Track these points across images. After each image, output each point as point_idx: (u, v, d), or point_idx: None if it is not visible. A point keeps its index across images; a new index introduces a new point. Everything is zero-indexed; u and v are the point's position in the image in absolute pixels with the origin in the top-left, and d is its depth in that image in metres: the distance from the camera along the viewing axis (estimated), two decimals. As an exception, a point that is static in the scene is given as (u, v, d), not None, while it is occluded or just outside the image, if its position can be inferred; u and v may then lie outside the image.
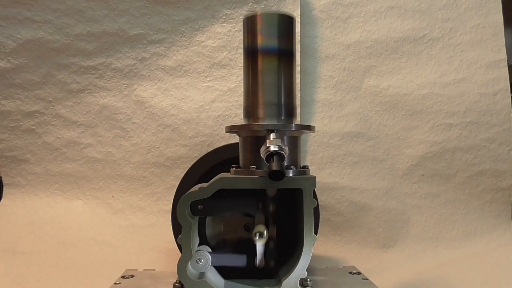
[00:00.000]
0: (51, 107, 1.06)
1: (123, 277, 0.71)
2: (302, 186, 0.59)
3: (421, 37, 1.10)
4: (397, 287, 0.84)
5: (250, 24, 0.63)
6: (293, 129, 0.63)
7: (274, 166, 0.54)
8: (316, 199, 0.65)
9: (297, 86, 0.71)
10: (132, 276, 0.71)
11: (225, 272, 0.65)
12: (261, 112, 0.63)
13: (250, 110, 0.64)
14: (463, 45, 1.10)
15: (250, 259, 0.65)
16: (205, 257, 0.60)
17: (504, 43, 1.11)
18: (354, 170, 1.07)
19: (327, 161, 1.07)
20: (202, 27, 1.07)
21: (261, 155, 0.57)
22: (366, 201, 1.06)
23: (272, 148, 0.56)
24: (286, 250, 0.67)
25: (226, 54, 1.07)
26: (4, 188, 1.09)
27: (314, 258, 0.62)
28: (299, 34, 1.06)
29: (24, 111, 1.06)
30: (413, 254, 1.03)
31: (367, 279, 0.70)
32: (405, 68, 1.10)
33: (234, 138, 0.99)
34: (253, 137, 0.63)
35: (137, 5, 1.03)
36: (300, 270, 0.60)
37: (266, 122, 0.62)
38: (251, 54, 0.63)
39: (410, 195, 1.09)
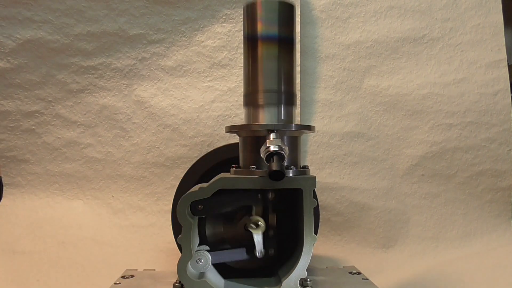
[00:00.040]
0: (51, 107, 1.06)
1: (123, 277, 0.71)
2: (302, 186, 0.59)
3: (421, 37, 1.10)
4: (397, 287, 0.84)
5: (250, 11, 0.63)
6: (293, 129, 0.63)
7: (274, 166, 0.54)
8: (316, 199, 0.65)
9: (297, 74, 0.70)
10: (132, 276, 0.71)
11: (225, 272, 0.65)
12: (261, 99, 0.62)
13: (250, 97, 0.64)
14: (463, 45, 1.10)
15: (250, 253, 0.64)
16: (205, 257, 0.60)
17: (504, 43, 1.11)
18: (354, 170, 1.07)
19: (327, 161, 1.07)
20: (202, 27, 1.07)
21: (261, 155, 0.57)
22: (366, 201, 1.06)
23: (272, 148, 0.56)
24: (286, 247, 0.67)
25: (226, 54, 1.07)
26: (4, 188, 1.09)
27: (314, 258, 0.62)
28: (299, 31, 1.06)
29: (24, 111, 1.06)
30: (413, 254, 1.03)
31: (367, 279, 0.70)
32: (405, 68, 1.10)
33: (234, 138, 0.99)
34: (253, 137, 0.63)
35: (137, 5, 1.03)
36: (300, 270, 0.60)
37: (266, 109, 0.62)
38: (251, 41, 0.63)
39: (410, 195, 1.09)
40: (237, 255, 0.65)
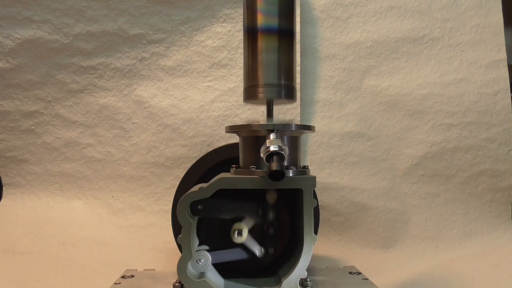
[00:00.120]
0: (51, 107, 1.06)
1: (123, 277, 0.71)
2: (302, 186, 0.59)
3: (421, 37, 1.10)
4: (397, 287, 0.84)
5: (250, 2, 0.63)
6: (293, 129, 0.62)
7: (274, 166, 0.54)
8: (316, 199, 0.65)
9: (297, 68, 0.69)
10: (132, 276, 0.71)
11: (225, 272, 0.65)
12: (260, 92, 0.62)
13: (250, 91, 0.63)
14: (463, 45, 1.10)
15: (250, 252, 0.64)
16: (205, 257, 0.60)
17: (504, 43, 1.11)
18: (354, 170, 1.07)
19: (327, 161, 1.07)
20: (202, 27, 1.06)
21: (261, 155, 0.57)
22: (366, 201, 1.06)
23: (272, 148, 0.56)
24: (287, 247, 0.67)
25: (226, 54, 1.07)
26: (4, 188, 1.09)
27: (314, 258, 0.62)
28: (299, 31, 1.06)
29: (24, 111, 1.06)
30: (413, 254, 1.03)
31: (367, 279, 0.70)
32: (405, 68, 1.10)
33: (234, 138, 0.99)
34: (253, 137, 0.63)
35: (136, 4, 1.03)
36: (300, 270, 0.60)
37: (265, 100, 0.62)
38: (251, 33, 0.63)
39: (410, 195, 1.09)
40: (237, 254, 0.65)
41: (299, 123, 1.05)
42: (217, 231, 0.66)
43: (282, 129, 0.61)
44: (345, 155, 1.08)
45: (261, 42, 0.62)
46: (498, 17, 1.11)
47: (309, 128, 0.64)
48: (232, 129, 0.64)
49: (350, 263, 0.93)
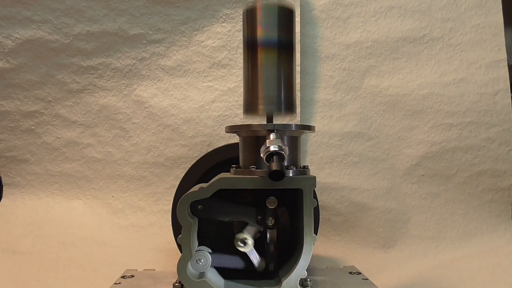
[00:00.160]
0: (51, 107, 1.06)
1: (123, 277, 0.71)
2: (302, 186, 0.59)
3: (421, 37, 1.10)
4: (397, 287, 0.84)
5: (249, 16, 0.63)
6: (293, 129, 0.62)
7: (274, 166, 0.54)
8: (316, 199, 0.65)
9: (296, 80, 0.69)
10: (132, 276, 0.71)
11: (225, 272, 0.65)
12: (260, 105, 0.62)
13: (249, 103, 0.63)
14: (463, 45, 1.10)
15: (249, 260, 0.64)
16: (205, 257, 0.60)
17: (504, 43, 1.11)
18: (354, 170, 1.07)
19: (327, 161, 1.07)
20: (202, 27, 1.06)
21: (261, 155, 0.57)
22: (366, 201, 1.06)
23: (272, 148, 0.56)
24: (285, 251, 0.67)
25: (226, 54, 1.07)
26: (4, 188, 1.09)
27: (314, 258, 0.62)
28: (299, 31, 1.06)
29: (24, 111, 1.06)
30: (413, 254, 1.03)
31: (367, 279, 0.70)
32: (405, 68, 1.10)
33: (234, 138, 0.99)
34: (253, 137, 0.63)
35: (136, 4, 1.03)
36: (300, 270, 0.60)
37: (265, 114, 0.61)
38: (251, 46, 0.63)
39: (410, 195, 1.09)
40: (237, 262, 0.65)
41: (299, 123, 1.05)
42: (216, 232, 0.66)
43: (282, 129, 0.61)
44: (345, 155, 1.08)
45: (261, 56, 0.61)
46: (498, 17, 1.11)
47: (309, 128, 0.64)
48: (232, 129, 0.64)
49: (350, 263, 0.93)
